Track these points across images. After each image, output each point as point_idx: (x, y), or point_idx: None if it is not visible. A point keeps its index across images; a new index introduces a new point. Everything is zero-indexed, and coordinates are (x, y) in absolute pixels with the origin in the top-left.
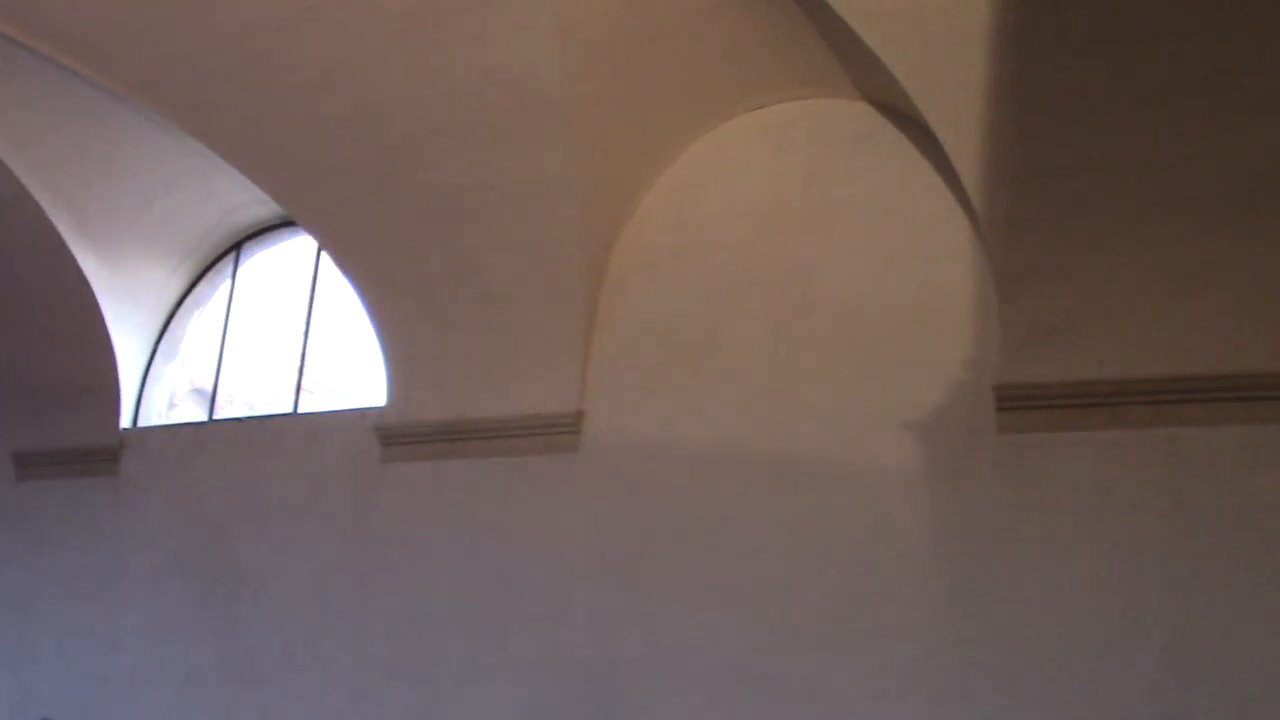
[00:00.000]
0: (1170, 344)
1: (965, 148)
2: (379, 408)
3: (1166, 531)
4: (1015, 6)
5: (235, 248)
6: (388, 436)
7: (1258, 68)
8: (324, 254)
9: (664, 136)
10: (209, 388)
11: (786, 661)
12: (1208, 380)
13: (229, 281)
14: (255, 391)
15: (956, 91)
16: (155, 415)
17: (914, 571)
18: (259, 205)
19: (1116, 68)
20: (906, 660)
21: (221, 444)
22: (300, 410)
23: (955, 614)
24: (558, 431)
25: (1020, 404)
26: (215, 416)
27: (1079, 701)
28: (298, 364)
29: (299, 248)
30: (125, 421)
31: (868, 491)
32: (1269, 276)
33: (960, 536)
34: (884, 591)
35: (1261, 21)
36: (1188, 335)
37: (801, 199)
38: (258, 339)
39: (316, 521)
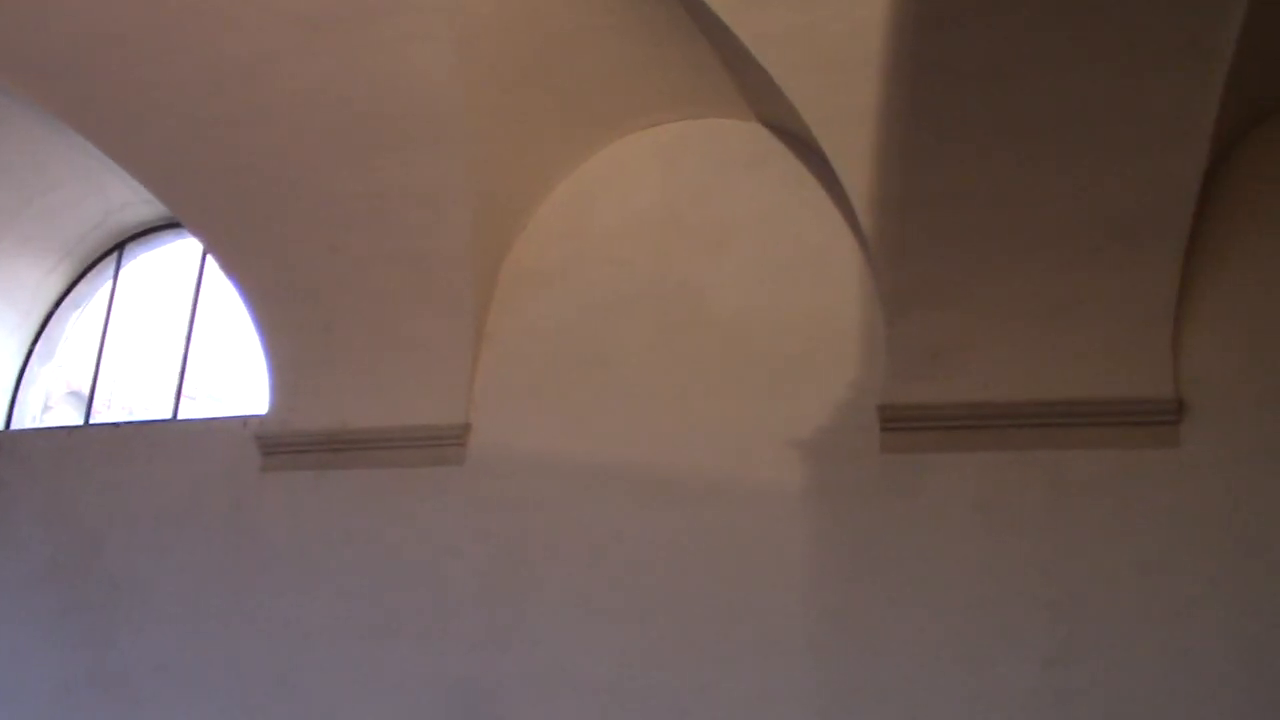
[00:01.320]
0: (1051, 369)
1: (856, 172)
2: (260, 415)
3: (1045, 552)
4: (908, 36)
5: (118, 248)
6: (269, 445)
7: (1134, 107)
8: (209, 257)
9: (558, 150)
10: (86, 391)
11: (669, 678)
12: (1086, 405)
13: (110, 282)
14: (134, 396)
15: (849, 117)
16: (29, 418)
17: (797, 589)
18: (143, 205)
19: (1002, 100)
20: (788, 677)
21: (97, 449)
22: (180, 416)
23: (837, 632)
24: (443, 444)
25: (904, 424)
26: (92, 421)
27: (954, 718)
28: (179, 369)
29: (184, 250)
30: None
31: (753, 509)
32: (1144, 306)
33: (843, 554)
34: (767, 608)
35: (1140, 63)
36: (1066, 361)
37: (693, 217)
38: (138, 342)
39: (194, 531)
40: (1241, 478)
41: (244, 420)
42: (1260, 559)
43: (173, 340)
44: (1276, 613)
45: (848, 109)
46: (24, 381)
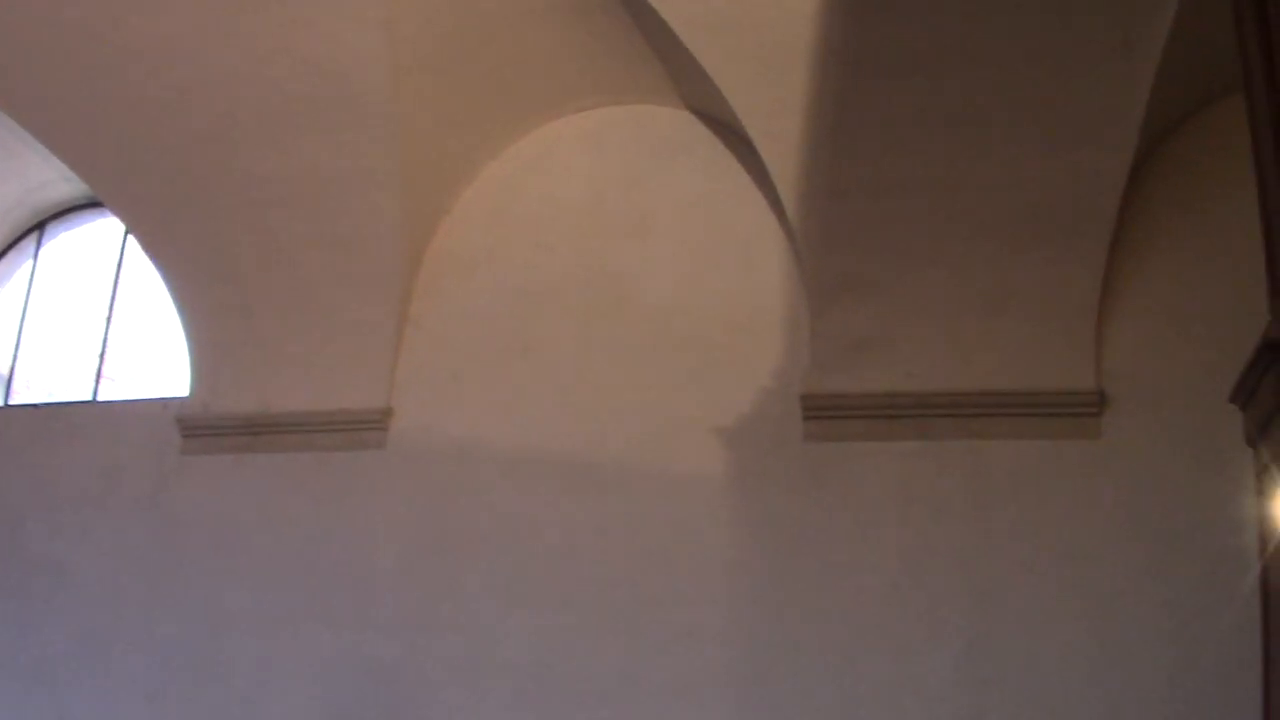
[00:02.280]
0: (973, 360)
1: (784, 161)
2: (181, 398)
3: (965, 541)
4: (838, 27)
5: (38, 227)
6: (190, 427)
7: (1063, 102)
8: (131, 237)
9: (485, 134)
10: (4, 372)
11: (591, 662)
12: (1007, 396)
13: (30, 262)
14: (54, 377)
15: (778, 106)
16: None
17: (719, 575)
18: (64, 183)
19: (932, 92)
20: (709, 662)
21: (16, 431)
22: (100, 398)
23: (758, 617)
24: (365, 428)
25: (826, 413)
26: (10, 402)
27: (875, 705)
28: (99, 350)
29: (105, 230)
30: None
31: (675, 495)
32: (1065, 299)
33: (765, 541)
34: (689, 594)
35: (1071, 58)
36: (990, 352)
37: (620, 203)
38: (58, 323)
39: (113, 513)
40: (1162, 469)
41: (164, 402)
42: (1179, 549)
43: (93, 321)
44: (1195, 602)
45: (777, 98)
46: None
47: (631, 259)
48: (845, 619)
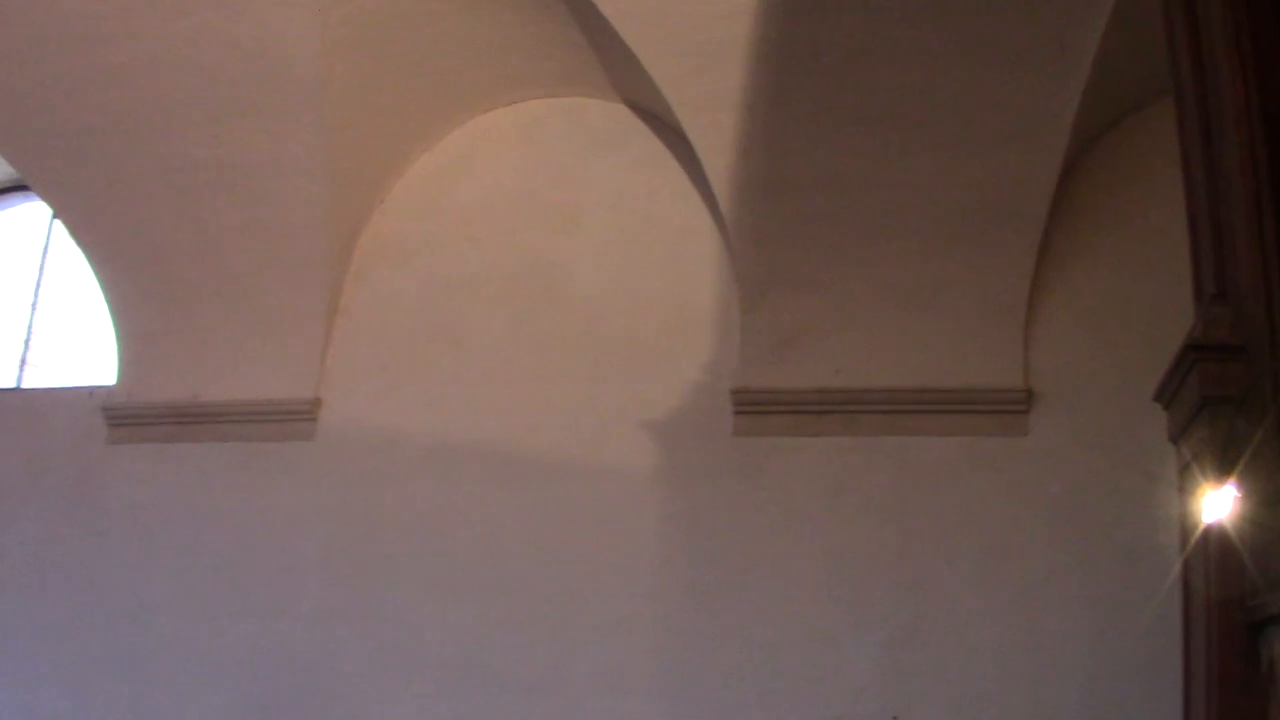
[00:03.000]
0: (902, 357)
1: (717, 155)
2: (107, 386)
3: (891, 536)
4: (774, 23)
5: None
6: (115, 416)
7: (997, 102)
8: (57, 221)
9: (419, 124)
10: None
11: (518, 655)
12: (935, 393)
13: None
14: None
15: (712, 100)
16: None
17: (648, 568)
18: None
19: (867, 89)
20: (637, 655)
21: None
22: (24, 385)
23: (687, 611)
24: (293, 418)
25: (757, 408)
26: None
27: (801, 696)
28: (24, 336)
29: (30, 213)
30: None
31: (605, 489)
32: (994, 297)
33: (694, 535)
34: (618, 587)
35: (1005, 59)
36: (918, 349)
37: (554, 195)
38: None
39: (36, 503)
40: (1087, 466)
41: (90, 390)
42: (1103, 545)
43: (18, 306)
44: (1119, 597)
45: (711, 93)
46: None
47: (563, 252)
48: (773, 612)
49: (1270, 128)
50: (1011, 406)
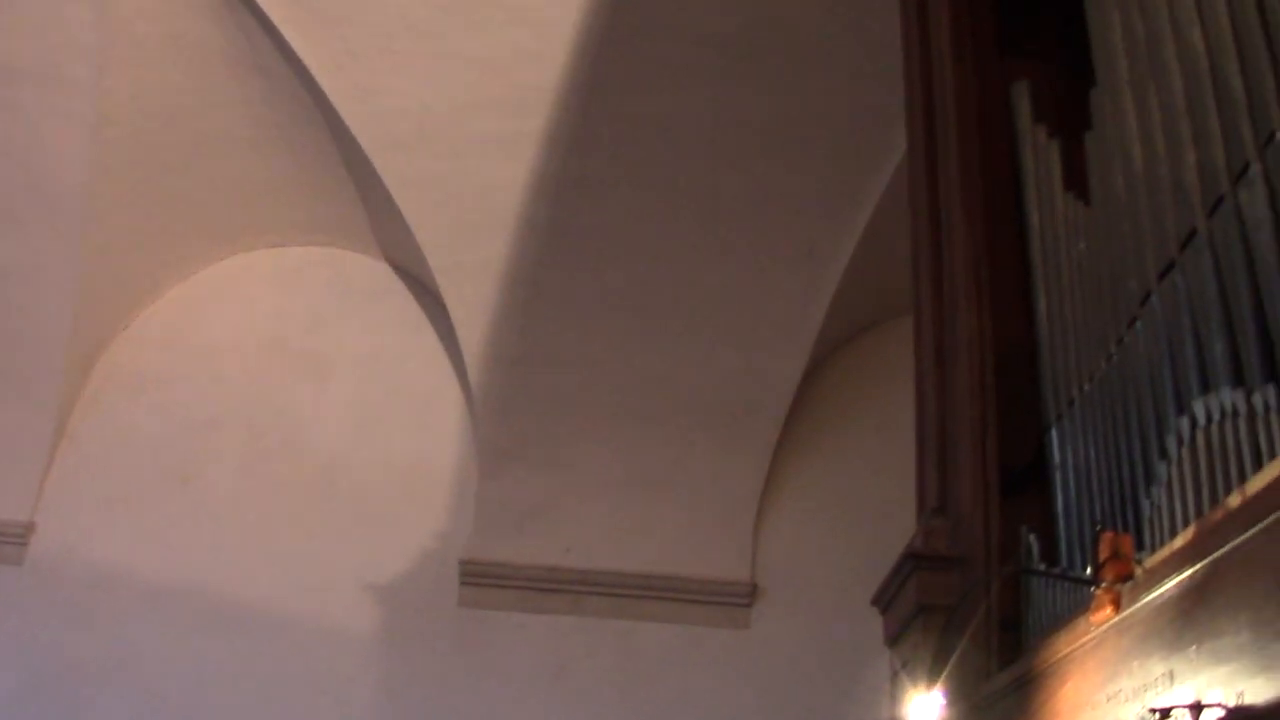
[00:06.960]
0: (632, 541)
1: (472, 325)
2: None
3: (612, 718)
4: (542, 205)
5: None
6: None
7: (749, 302)
8: None
9: (177, 254)
10: None
11: None
12: (662, 580)
13: None
14: None
15: (474, 270)
16: None
17: None
18: None
19: (627, 275)
20: None
21: None
22: None
23: None
24: (3, 541)
25: (484, 580)
26: None
27: None
28: None
29: None
30: None
31: (324, 648)
32: (729, 490)
33: (412, 703)
34: None
35: (761, 261)
36: (649, 535)
37: (301, 344)
38: None
39: None
40: (805, 663)
41: None
42: None
43: None
44: None
45: (473, 262)
46: None
47: (306, 403)
48: None
49: (1000, 356)
50: (736, 599)
